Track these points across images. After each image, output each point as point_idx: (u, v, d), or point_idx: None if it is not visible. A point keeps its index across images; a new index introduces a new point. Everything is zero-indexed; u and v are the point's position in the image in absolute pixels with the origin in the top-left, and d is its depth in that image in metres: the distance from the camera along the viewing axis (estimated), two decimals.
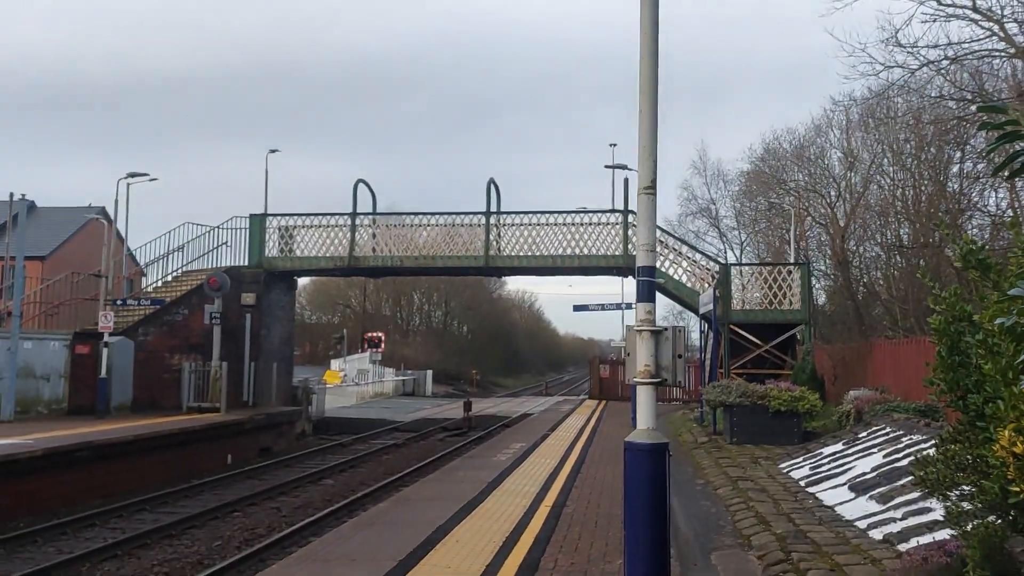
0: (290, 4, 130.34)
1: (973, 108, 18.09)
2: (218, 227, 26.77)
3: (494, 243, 25.79)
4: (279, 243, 26.58)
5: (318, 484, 18.16)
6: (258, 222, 26.64)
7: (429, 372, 51.76)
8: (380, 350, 47.48)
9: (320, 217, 26.68)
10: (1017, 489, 4.53)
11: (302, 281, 36.40)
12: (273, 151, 29.73)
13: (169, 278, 26.97)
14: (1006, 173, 3.36)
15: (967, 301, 5.53)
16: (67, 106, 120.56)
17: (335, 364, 44.34)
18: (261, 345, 25.66)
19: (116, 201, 28.13)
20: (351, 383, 41.35)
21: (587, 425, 22.71)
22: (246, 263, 26.32)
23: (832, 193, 33.86)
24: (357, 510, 13.77)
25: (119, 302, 24.73)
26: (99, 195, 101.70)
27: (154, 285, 27.39)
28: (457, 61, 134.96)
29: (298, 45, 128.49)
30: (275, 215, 26.93)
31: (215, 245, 26.70)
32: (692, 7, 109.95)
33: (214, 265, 26.33)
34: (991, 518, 5.34)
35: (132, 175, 28.15)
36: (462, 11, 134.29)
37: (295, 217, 26.88)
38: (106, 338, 21.99)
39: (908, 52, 18.53)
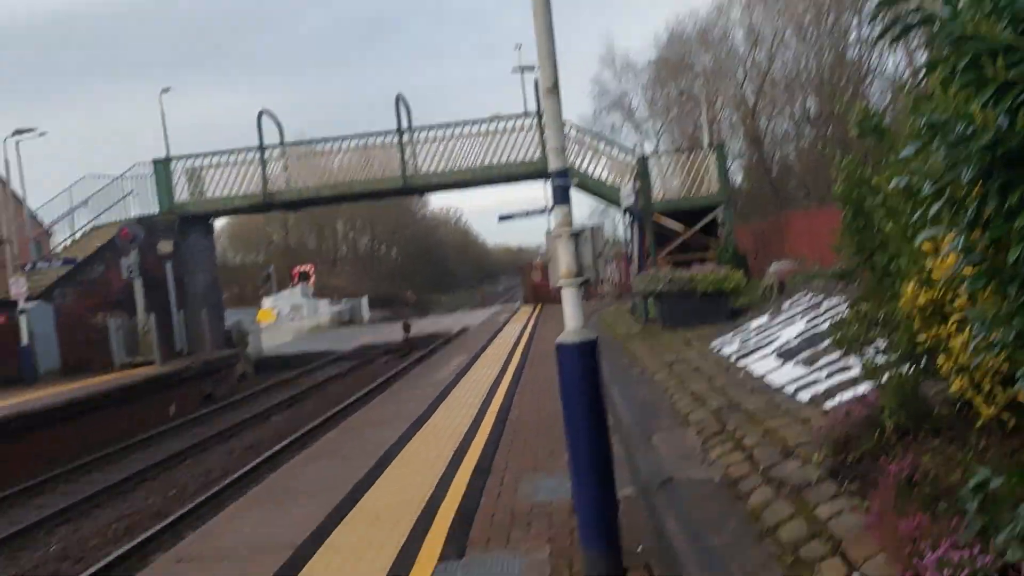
0: None
1: None
2: (122, 176, 25.63)
3: (410, 162, 25.35)
4: (188, 186, 25.65)
5: (266, 423, 18.17)
6: (163, 167, 25.57)
7: (364, 299, 51.47)
8: (311, 283, 46.91)
9: (227, 155, 25.73)
10: (923, 337, 4.85)
11: (219, 223, 35.32)
12: (166, 90, 28.33)
13: (78, 235, 25.88)
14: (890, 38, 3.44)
15: (868, 166, 5.74)
16: None
17: (266, 302, 43.72)
18: (186, 292, 25.07)
19: (6, 161, 26.52)
20: (286, 319, 40.92)
21: (524, 331, 23.11)
22: (157, 211, 25.40)
23: (739, 72, 34.18)
24: (308, 443, 13.86)
25: (28, 266, 23.66)
26: None
27: (63, 244, 26.24)
28: None
29: None
30: (180, 157, 25.86)
31: (122, 196, 25.64)
32: None
33: (124, 216, 25.33)
34: (903, 368, 5.71)
35: (19, 131, 26.46)
36: None
37: (201, 158, 25.86)
38: (21, 304, 21.12)
39: None
